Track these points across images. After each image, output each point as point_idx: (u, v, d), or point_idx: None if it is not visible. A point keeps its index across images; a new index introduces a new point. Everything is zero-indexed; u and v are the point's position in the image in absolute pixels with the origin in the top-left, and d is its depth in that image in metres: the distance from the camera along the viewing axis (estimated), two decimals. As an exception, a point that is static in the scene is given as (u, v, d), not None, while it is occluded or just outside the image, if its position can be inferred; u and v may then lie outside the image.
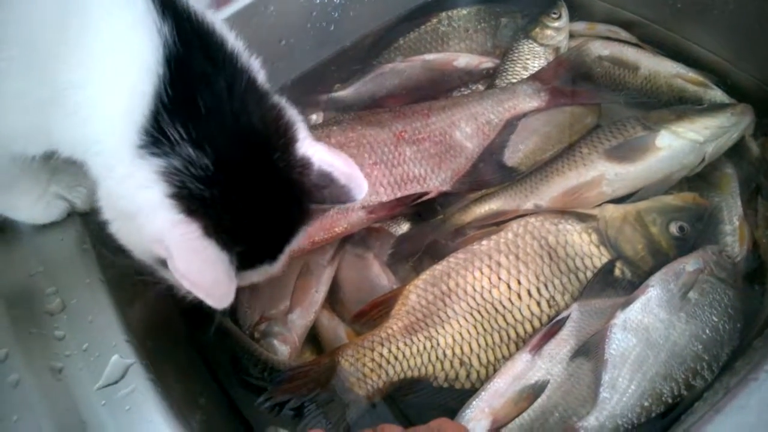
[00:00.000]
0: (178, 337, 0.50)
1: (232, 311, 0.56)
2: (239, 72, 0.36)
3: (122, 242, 0.38)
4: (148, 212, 0.34)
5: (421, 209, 0.58)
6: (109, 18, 0.34)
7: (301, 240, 0.41)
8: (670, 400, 0.40)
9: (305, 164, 0.38)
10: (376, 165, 0.58)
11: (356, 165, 0.41)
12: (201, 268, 0.34)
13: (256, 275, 0.39)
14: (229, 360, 0.50)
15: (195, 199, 0.34)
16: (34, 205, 0.44)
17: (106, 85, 0.34)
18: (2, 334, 0.38)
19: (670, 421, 0.40)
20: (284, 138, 0.37)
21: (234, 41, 0.37)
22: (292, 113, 0.39)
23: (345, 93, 0.70)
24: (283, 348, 0.53)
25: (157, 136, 0.33)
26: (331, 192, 0.39)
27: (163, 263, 0.35)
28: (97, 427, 0.35)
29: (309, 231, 0.54)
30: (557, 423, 0.41)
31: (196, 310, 0.53)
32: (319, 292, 0.56)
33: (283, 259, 0.40)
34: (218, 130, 0.34)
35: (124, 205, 0.35)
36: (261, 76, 0.38)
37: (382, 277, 0.56)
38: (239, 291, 0.56)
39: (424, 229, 0.57)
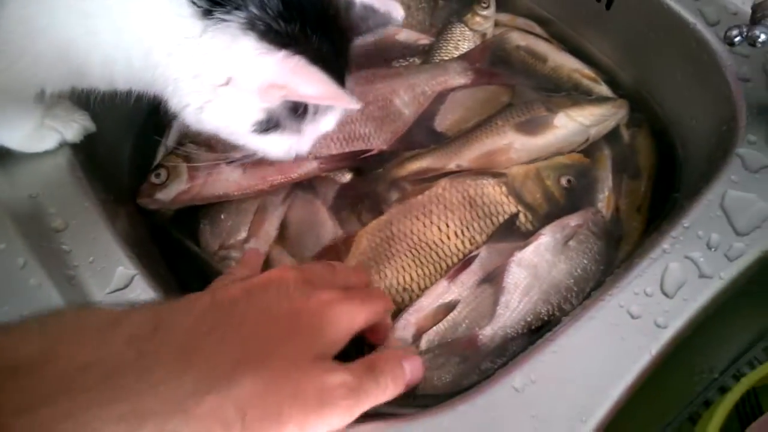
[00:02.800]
0: (156, 262, 0.57)
1: (196, 239, 0.64)
2: None
3: (216, 126, 0.42)
4: (249, 63, 0.38)
5: (363, 164, 0.67)
6: None
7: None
8: (546, 318, 0.54)
9: (349, 3, 0.44)
10: (330, 123, 0.67)
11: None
12: (324, 82, 0.40)
13: None
14: (199, 277, 0.58)
15: (284, 36, 0.38)
16: (29, 137, 0.49)
17: None
18: (18, 245, 0.44)
19: (543, 332, 0.53)
20: None
21: None
22: None
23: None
24: (241, 272, 0.62)
25: None
26: (374, 20, 0.46)
27: (263, 127, 0.42)
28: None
29: (267, 175, 0.64)
30: (464, 331, 0.53)
31: (165, 238, 0.61)
32: (272, 227, 0.64)
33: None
34: None
35: (214, 77, 0.39)
36: None
37: (326, 219, 0.65)
38: (203, 222, 0.64)
39: (365, 180, 0.67)
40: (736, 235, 0.46)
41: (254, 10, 0.37)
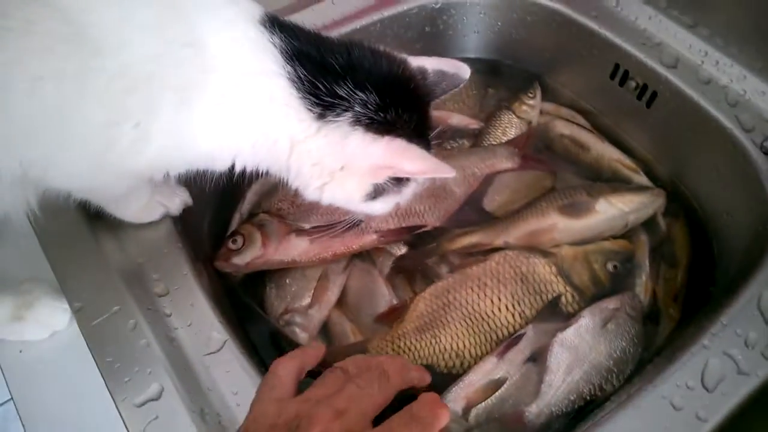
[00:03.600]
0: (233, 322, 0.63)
1: (261, 303, 0.70)
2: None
3: (333, 201, 0.50)
4: (359, 152, 0.46)
5: (417, 238, 0.73)
6: None
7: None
8: (588, 398, 0.58)
9: (423, 71, 0.52)
10: (389, 200, 0.74)
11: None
12: (423, 158, 0.47)
13: None
14: (269, 339, 0.64)
15: (384, 124, 0.46)
16: (140, 210, 0.56)
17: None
18: (131, 307, 0.49)
19: (586, 413, 0.56)
20: (403, 65, 0.50)
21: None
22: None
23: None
24: (303, 335, 0.66)
25: (331, 101, 0.45)
26: (447, 82, 0.53)
27: (371, 196, 0.49)
28: (206, 382, 0.48)
29: (331, 245, 0.70)
30: (510, 407, 0.57)
31: (235, 300, 0.67)
32: (333, 294, 0.70)
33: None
34: (369, 78, 0.46)
35: (331, 165, 0.47)
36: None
37: (382, 288, 0.70)
38: (269, 286, 0.70)
39: (419, 252, 0.73)
40: (772, 334, 0.50)
41: (359, 109, 0.45)
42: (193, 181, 0.61)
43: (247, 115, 0.45)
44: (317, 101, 0.45)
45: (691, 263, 0.69)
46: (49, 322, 0.52)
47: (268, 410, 0.37)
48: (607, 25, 0.76)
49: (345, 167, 0.48)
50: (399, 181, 0.52)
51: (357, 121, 0.46)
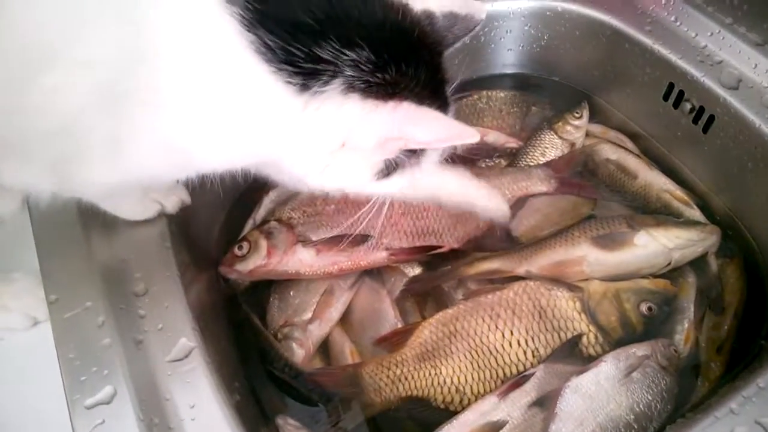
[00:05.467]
0: (221, 325, 0.61)
1: (263, 313, 0.68)
2: None
3: (339, 185, 0.42)
4: (360, 124, 0.38)
5: (434, 259, 0.68)
6: None
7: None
8: (600, 455, 0.51)
9: (429, 15, 0.42)
10: (404, 215, 0.68)
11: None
12: (440, 122, 0.39)
13: None
14: (258, 351, 0.61)
15: (385, 85, 0.38)
16: (134, 207, 0.55)
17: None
18: (101, 305, 0.48)
19: None
20: (402, 9, 0.40)
21: None
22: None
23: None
24: (300, 351, 0.63)
25: (313, 67, 0.36)
26: (459, 27, 0.44)
27: (384, 173, 0.41)
28: (164, 391, 0.45)
29: (337, 260, 0.66)
30: (508, 456, 0.52)
31: (235, 308, 0.65)
32: (336, 311, 0.66)
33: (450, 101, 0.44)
34: (359, 31, 0.38)
35: (328, 144, 0.39)
36: None
37: (389, 310, 0.66)
38: (273, 297, 0.67)
39: (433, 275, 0.68)
40: (818, 406, 0.41)
41: (350, 72, 0.37)
42: (207, 185, 0.60)
43: (214, 105, 0.39)
44: (296, 70, 0.37)
45: (744, 312, 0.60)
46: (33, 313, 0.51)
47: None
48: (662, 41, 0.69)
49: (346, 144, 0.39)
50: (414, 152, 0.43)
51: (350, 87, 0.37)
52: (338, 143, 0.40)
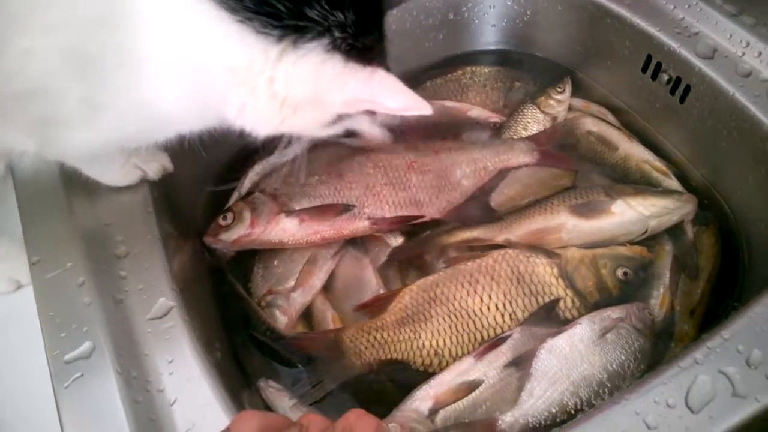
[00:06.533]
0: (203, 295, 0.61)
1: (248, 282, 0.68)
2: None
3: (292, 132, 0.44)
4: (337, 84, 0.39)
5: (414, 228, 0.69)
6: None
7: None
8: (573, 412, 0.52)
9: None
10: (387, 186, 0.70)
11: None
12: (405, 93, 0.41)
13: None
14: (241, 318, 0.62)
15: (364, 50, 0.40)
16: (116, 173, 0.56)
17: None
18: (81, 266, 0.49)
19: None
20: None
21: None
22: None
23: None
24: (283, 318, 0.64)
25: (295, 23, 0.37)
26: None
27: (336, 121, 0.43)
28: (143, 347, 0.46)
29: (320, 229, 0.67)
30: (483, 413, 0.52)
31: (220, 274, 0.66)
32: (319, 279, 0.67)
33: None
34: None
35: (300, 95, 0.40)
36: None
37: (371, 278, 0.67)
38: (257, 266, 0.68)
39: (415, 243, 0.69)
40: (784, 355, 0.42)
41: (337, 34, 0.38)
42: (192, 156, 0.60)
43: (183, 58, 0.39)
44: (276, 23, 0.37)
45: (718, 277, 0.61)
46: (16, 276, 0.52)
47: None
48: (641, 13, 0.70)
49: (315, 99, 0.41)
50: (372, 112, 0.46)
51: (335, 47, 0.39)
52: (309, 98, 0.41)
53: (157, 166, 0.58)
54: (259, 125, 0.43)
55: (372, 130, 0.52)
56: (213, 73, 0.40)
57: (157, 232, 0.54)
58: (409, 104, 0.42)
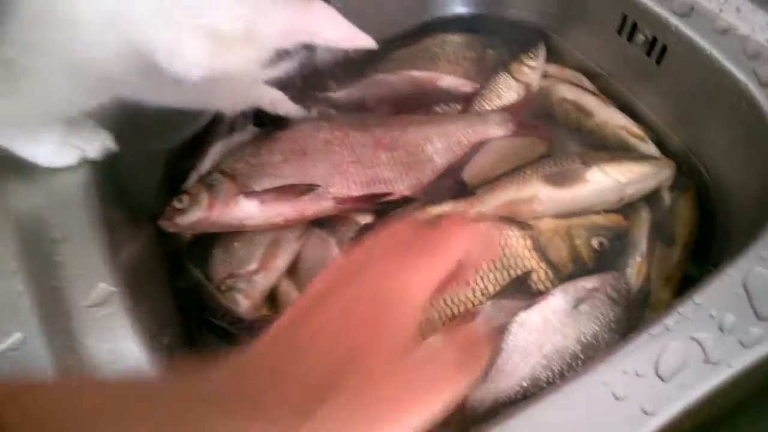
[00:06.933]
0: (154, 281, 0.58)
1: (207, 265, 0.65)
2: None
3: (219, 72, 0.39)
4: (272, 8, 0.38)
5: (385, 206, 0.66)
6: None
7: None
8: (545, 385, 0.49)
9: None
10: (354, 163, 0.66)
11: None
12: (346, 26, 0.40)
13: None
14: (197, 305, 0.59)
15: None
16: (52, 151, 0.52)
17: None
18: (13, 251, 0.46)
19: None
20: None
21: None
22: None
23: (338, 94, 0.78)
24: (245, 302, 0.61)
25: None
26: None
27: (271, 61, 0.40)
28: (79, 335, 0.43)
29: (282, 210, 0.64)
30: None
31: (177, 259, 0.63)
32: (283, 261, 0.64)
33: None
34: None
35: (229, 25, 0.37)
36: None
37: (337, 259, 0.65)
38: (216, 250, 0.65)
39: (384, 222, 0.66)
40: (757, 319, 0.39)
41: None
42: (144, 136, 0.57)
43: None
44: None
45: (695, 243, 0.58)
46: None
47: None
48: (615, -30, 0.66)
49: (248, 32, 0.38)
50: (308, 46, 0.43)
51: None
52: (239, 28, 0.38)
53: (98, 146, 0.54)
54: (191, 66, 0.39)
55: (285, 106, 0.49)
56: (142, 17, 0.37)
57: (98, 215, 0.50)
58: (350, 36, 0.41)
